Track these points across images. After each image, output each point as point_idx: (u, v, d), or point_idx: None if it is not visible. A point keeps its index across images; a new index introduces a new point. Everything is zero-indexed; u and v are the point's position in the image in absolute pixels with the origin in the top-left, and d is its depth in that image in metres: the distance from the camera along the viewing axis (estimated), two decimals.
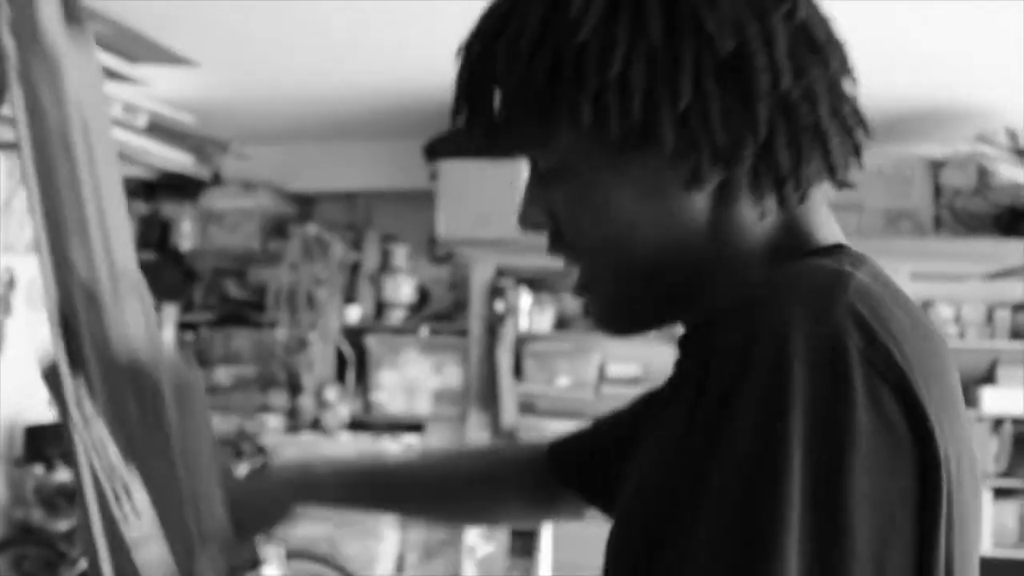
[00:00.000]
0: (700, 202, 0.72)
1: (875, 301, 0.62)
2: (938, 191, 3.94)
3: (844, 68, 0.73)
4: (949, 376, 0.66)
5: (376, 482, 1.13)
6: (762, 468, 0.56)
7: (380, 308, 4.56)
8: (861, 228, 3.98)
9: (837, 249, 0.72)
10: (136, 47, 3.27)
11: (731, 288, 0.73)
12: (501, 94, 0.74)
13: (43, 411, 4.98)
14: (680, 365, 0.78)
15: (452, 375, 4.42)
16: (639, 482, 0.72)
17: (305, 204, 4.82)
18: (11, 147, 4.06)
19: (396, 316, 4.54)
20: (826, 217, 0.76)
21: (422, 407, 4.47)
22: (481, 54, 0.74)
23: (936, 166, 3.95)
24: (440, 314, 4.52)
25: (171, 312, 4.86)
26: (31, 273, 4.88)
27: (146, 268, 3.96)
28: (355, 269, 4.59)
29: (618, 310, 0.78)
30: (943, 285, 4.23)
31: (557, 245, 0.78)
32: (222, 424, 4.37)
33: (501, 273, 4.21)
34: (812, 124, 0.70)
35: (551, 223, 0.77)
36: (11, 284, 4.77)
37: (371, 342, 4.55)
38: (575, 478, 1.03)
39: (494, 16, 0.75)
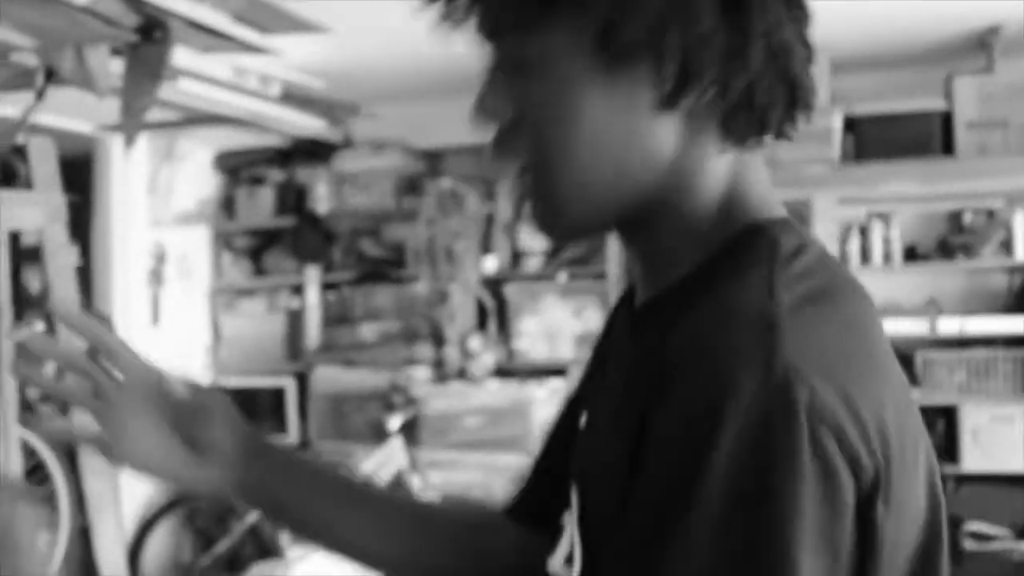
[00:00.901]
0: (668, 130, 0.71)
1: (817, 338, 0.64)
2: None
3: (806, 32, 0.74)
4: (882, 364, 0.68)
5: (348, 489, 0.98)
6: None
7: (516, 257, 4.62)
8: (1007, 145, 3.85)
9: (780, 234, 0.71)
10: (268, 18, 3.35)
11: (678, 238, 0.74)
12: None
13: (200, 375, 5.21)
14: (637, 345, 0.76)
15: (592, 318, 4.46)
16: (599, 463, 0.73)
17: (434, 160, 4.88)
18: (157, 127, 4.22)
19: (533, 263, 4.59)
20: (766, 180, 0.77)
21: (565, 352, 4.52)
22: None
23: None
24: (577, 259, 4.56)
25: (314, 274, 5.02)
26: (181, 247, 5.09)
27: (287, 233, 4.13)
28: (489, 220, 4.65)
29: (559, 215, 0.76)
30: None
31: (506, 139, 0.75)
32: (373, 379, 4.51)
33: None
34: (788, 73, 0.71)
35: (508, 116, 0.75)
36: (162, 257, 4.98)
37: (510, 291, 4.62)
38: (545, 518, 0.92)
39: None
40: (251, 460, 0.92)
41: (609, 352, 0.87)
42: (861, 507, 0.61)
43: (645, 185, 0.73)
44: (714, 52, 0.68)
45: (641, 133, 0.71)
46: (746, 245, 0.71)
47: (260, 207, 5.15)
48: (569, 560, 0.80)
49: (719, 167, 0.73)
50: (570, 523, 0.79)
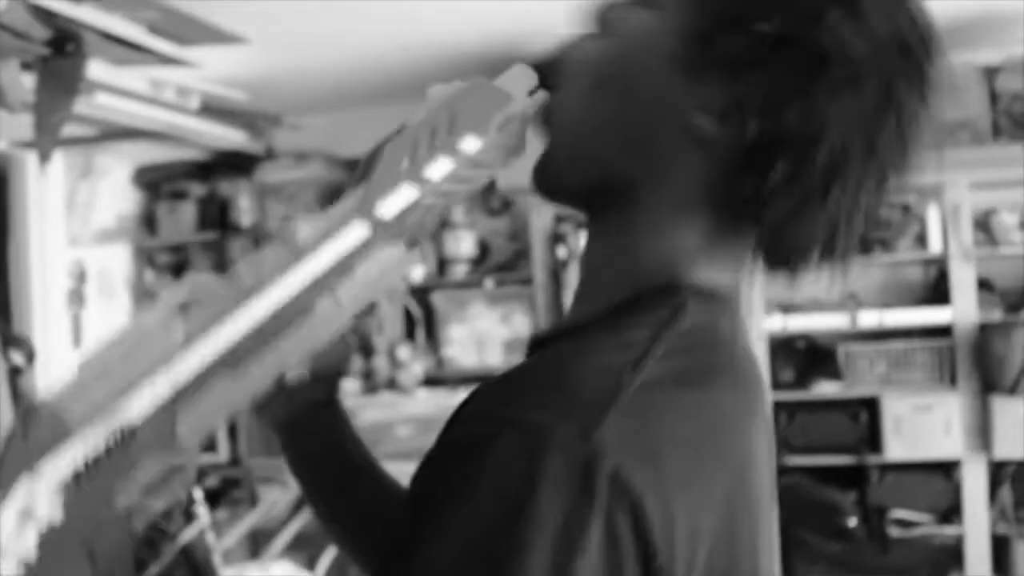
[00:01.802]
0: (678, 149, 0.69)
1: (656, 422, 0.61)
2: (994, 98, 3.90)
3: (885, 184, 0.72)
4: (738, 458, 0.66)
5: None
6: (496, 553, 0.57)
7: (443, 265, 4.62)
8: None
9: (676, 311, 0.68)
10: (185, 29, 3.32)
11: (619, 262, 0.72)
12: None
13: None
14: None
15: (520, 324, 4.47)
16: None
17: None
18: (73, 143, 4.13)
19: (459, 271, 4.59)
20: (734, 266, 0.74)
21: (494, 358, 4.52)
22: None
23: (991, 72, 3.90)
24: (503, 265, 4.57)
25: None
26: (100, 264, 5.00)
27: (211, 246, 4.07)
28: None
29: (555, 167, 0.74)
30: (1006, 192, 4.18)
31: (551, 79, 0.75)
32: None
33: (560, 219, 4.23)
34: (838, 206, 0.70)
35: (566, 57, 0.74)
36: (82, 277, 4.88)
37: (437, 299, 4.61)
38: None
39: None
40: (321, 404, 0.95)
41: None
42: None
43: (627, 175, 0.71)
44: (772, 112, 0.65)
45: (658, 131, 0.69)
46: (653, 303, 0.69)
47: (182, 222, 5.07)
48: None
49: (696, 225, 0.71)
50: None
